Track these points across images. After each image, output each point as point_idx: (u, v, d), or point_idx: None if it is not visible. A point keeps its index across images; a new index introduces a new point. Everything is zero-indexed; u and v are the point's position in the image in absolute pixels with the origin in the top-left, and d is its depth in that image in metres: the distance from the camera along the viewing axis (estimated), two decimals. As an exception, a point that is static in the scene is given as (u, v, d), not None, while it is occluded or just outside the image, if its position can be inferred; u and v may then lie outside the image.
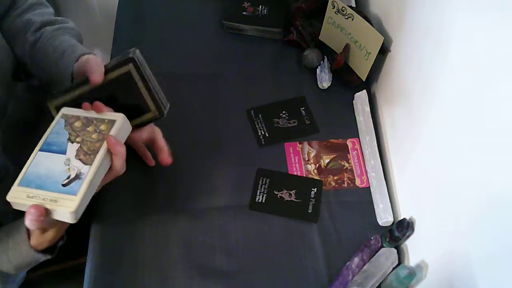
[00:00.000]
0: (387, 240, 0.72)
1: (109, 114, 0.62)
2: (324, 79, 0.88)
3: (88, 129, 0.61)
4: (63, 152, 0.59)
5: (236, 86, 0.89)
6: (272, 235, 0.75)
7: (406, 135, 0.76)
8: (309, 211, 0.77)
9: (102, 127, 0.61)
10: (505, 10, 0.47)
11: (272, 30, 0.94)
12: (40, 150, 0.59)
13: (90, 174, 0.56)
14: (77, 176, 0.56)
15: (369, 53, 0.80)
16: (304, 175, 0.80)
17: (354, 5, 0.94)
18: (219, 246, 0.73)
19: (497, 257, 0.51)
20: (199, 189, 0.78)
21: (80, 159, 0.58)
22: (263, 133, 0.84)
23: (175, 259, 0.72)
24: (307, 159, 0.82)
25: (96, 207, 0.75)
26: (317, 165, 0.82)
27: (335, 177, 0.81)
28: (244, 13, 0.95)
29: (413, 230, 0.71)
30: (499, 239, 0.50)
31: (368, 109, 0.85)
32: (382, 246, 0.73)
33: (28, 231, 0.60)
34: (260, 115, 0.86)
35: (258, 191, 0.78)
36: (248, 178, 0.79)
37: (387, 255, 0.71)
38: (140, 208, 0.76)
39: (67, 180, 0.56)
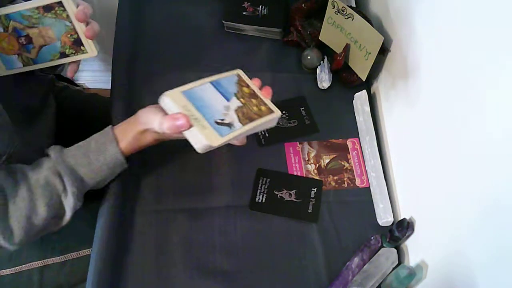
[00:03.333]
0: (387, 240, 0.72)
1: (271, 104, 0.66)
2: (324, 79, 0.88)
3: (252, 100, 0.65)
4: (227, 99, 0.62)
5: (236, 86, 0.89)
6: (272, 235, 0.75)
7: (406, 135, 0.76)
8: (309, 211, 0.77)
9: (262, 108, 0.65)
10: (504, 10, 0.47)
11: (272, 30, 0.94)
12: (211, 82, 0.63)
13: (239, 131, 0.59)
14: (229, 124, 0.59)
15: (369, 53, 0.80)
16: (304, 175, 0.80)
17: (354, 5, 0.94)
18: (219, 246, 0.73)
19: (497, 257, 0.51)
20: (199, 189, 0.78)
21: (237, 115, 0.61)
22: (263, 133, 0.84)
23: (175, 259, 0.72)
24: (307, 159, 0.82)
25: (98, 207, 0.75)
26: (317, 165, 0.82)
27: (335, 177, 0.81)
28: (244, 13, 0.95)
29: (413, 230, 0.71)
30: (499, 239, 0.50)
31: (368, 109, 0.85)
32: (382, 246, 0.73)
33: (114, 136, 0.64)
34: (260, 115, 0.86)
35: (258, 191, 0.78)
36: (248, 178, 0.79)
37: (387, 255, 0.71)
38: (140, 208, 0.76)
39: (221, 121, 0.59)
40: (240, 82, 0.66)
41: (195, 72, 0.90)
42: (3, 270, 0.79)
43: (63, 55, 0.68)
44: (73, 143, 0.66)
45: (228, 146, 0.82)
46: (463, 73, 0.57)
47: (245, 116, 0.62)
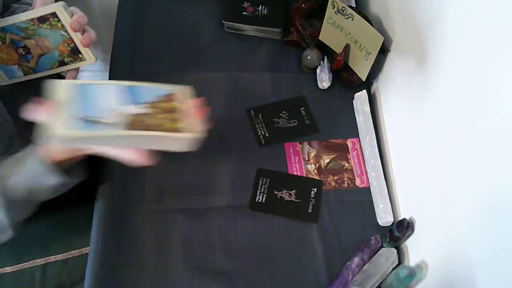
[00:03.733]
0: (387, 240, 0.72)
1: (194, 126, 0.61)
2: (324, 79, 0.88)
3: (168, 114, 0.60)
4: (129, 104, 0.58)
5: (236, 86, 0.89)
6: (272, 235, 0.75)
7: (406, 135, 0.76)
8: (309, 211, 0.77)
9: (175, 125, 0.59)
10: (507, 8, 0.47)
11: (272, 30, 0.94)
12: (126, 86, 0.60)
13: (110, 133, 0.54)
14: (102, 124, 0.55)
15: (369, 53, 0.80)
16: (304, 175, 0.80)
17: (354, 5, 0.94)
18: (219, 246, 0.73)
19: (497, 256, 0.51)
20: (199, 189, 0.78)
21: (127, 120, 0.56)
22: (263, 133, 0.84)
23: (175, 259, 0.72)
24: (307, 159, 0.82)
25: (96, 206, 0.75)
26: (317, 165, 0.82)
27: (335, 177, 0.81)
28: (244, 13, 0.95)
29: (413, 230, 0.71)
30: (499, 239, 0.50)
31: (368, 109, 0.85)
32: (382, 246, 0.73)
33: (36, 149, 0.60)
34: (260, 115, 0.86)
35: (258, 191, 0.78)
36: (248, 178, 0.79)
37: (387, 255, 0.71)
38: (140, 208, 0.76)
39: (91, 117, 0.55)
40: (169, 97, 0.62)
41: (195, 72, 0.90)
42: (5, 268, 0.80)
43: (62, 63, 0.68)
44: None
45: (228, 147, 0.82)
46: (464, 73, 0.57)
47: (137, 124, 0.56)
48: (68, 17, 0.63)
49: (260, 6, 0.96)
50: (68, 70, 0.70)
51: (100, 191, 0.76)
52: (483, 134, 0.53)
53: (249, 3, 0.96)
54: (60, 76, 0.74)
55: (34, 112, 0.54)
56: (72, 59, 0.68)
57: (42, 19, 0.63)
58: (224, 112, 0.86)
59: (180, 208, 0.76)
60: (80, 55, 0.67)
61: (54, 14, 0.63)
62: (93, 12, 1.33)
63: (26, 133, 0.65)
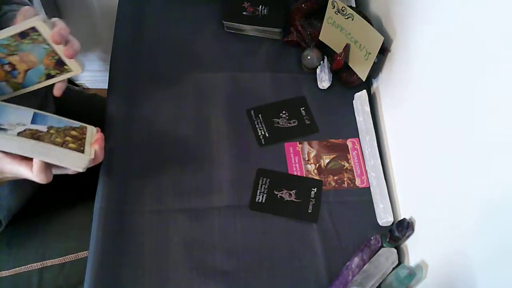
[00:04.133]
0: (387, 240, 0.72)
1: (91, 149, 0.64)
2: (324, 79, 0.88)
3: (68, 137, 0.63)
4: (32, 123, 0.61)
5: (236, 86, 0.89)
6: (272, 235, 0.75)
7: (406, 135, 0.76)
8: (309, 211, 0.77)
9: (73, 145, 0.62)
10: (506, 9, 0.47)
11: (272, 30, 0.94)
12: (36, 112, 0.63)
13: (3, 137, 0.57)
14: (5, 129, 0.57)
15: (369, 53, 0.80)
16: (304, 175, 0.80)
17: (354, 5, 0.93)
18: (219, 246, 0.73)
19: (497, 257, 0.51)
20: (199, 189, 0.78)
21: (25, 132, 0.59)
22: (263, 133, 0.84)
23: (175, 259, 0.72)
24: (307, 159, 0.82)
25: (95, 206, 0.75)
26: (317, 165, 0.82)
27: (335, 177, 0.81)
28: (244, 13, 0.95)
29: (413, 230, 0.71)
30: (499, 239, 0.50)
31: (368, 109, 0.85)
32: (382, 246, 0.73)
33: None
34: (260, 115, 0.86)
35: (258, 191, 0.78)
36: (248, 178, 0.79)
37: (387, 255, 0.71)
38: (140, 208, 0.76)
39: None
40: (76, 129, 0.65)
41: (195, 72, 0.90)
42: (2, 272, 0.79)
43: (49, 76, 0.68)
44: None
45: (228, 146, 0.82)
46: (464, 73, 0.57)
47: (33, 137, 0.59)
48: (48, 30, 0.62)
49: (260, 6, 0.96)
50: (56, 85, 0.69)
51: (99, 191, 0.75)
52: (483, 133, 0.53)
53: (249, 3, 0.96)
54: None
55: None
56: (58, 71, 0.67)
57: (23, 35, 0.62)
58: (224, 112, 0.86)
59: (180, 208, 0.76)
60: (65, 67, 0.67)
61: (34, 29, 0.62)
62: (93, 12, 1.33)
63: None
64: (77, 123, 0.67)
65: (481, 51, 0.52)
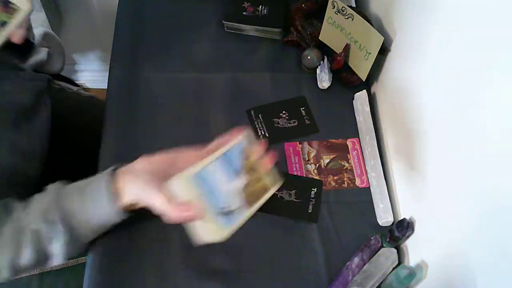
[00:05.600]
0: (387, 240, 0.72)
1: (273, 173, 0.61)
2: (324, 79, 0.88)
3: (255, 173, 0.60)
4: (234, 176, 0.57)
5: (236, 86, 0.89)
6: (272, 235, 0.75)
7: (406, 135, 0.76)
8: (309, 211, 0.77)
9: (265, 180, 0.60)
10: (508, 10, 0.47)
11: (272, 30, 0.94)
12: (219, 158, 0.57)
13: (245, 217, 0.56)
14: (234, 211, 0.56)
15: (369, 53, 0.80)
16: (304, 175, 0.80)
17: (354, 5, 0.94)
18: (219, 246, 0.73)
19: (497, 257, 0.51)
20: (199, 189, 0.78)
21: (243, 197, 0.57)
22: (263, 133, 0.84)
23: (175, 259, 0.72)
24: (307, 159, 0.82)
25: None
26: (317, 165, 0.82)
27: (335, 177, 0.81)
28: (244, 13, 0.95)
29: (413, 230, 0.71)
30: (499, 239, 0.50)
31: (368, 109, 0.85)
32: (382, 246, 0.73)
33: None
34: (260, 115, 0.86)
35: (258, 191, 0.78)
36: (248, 178, 0.79)
37: (387, 255, 0.71)
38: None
39: (225, 209, 0.55)
40: (245, 151, 0.60)
41: (195, 72, 0.90)
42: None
43: (3, 24, 0.62)
44: (67, 148, 0.64)
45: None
46: (464, 73, 0.57)
47: (251, 196, 0.58)
48: None
49: (260, 6, 0.96)
50: (12, 32, 0.63)
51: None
52: (483, 134, 0.53)
53: (249, 3, 0.96)
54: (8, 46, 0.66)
55: (182, 218, 0.54)
56: (9, 15, 0.61)
57: None
58: (224, 112, 0.86)
59: (180, 208, 0.76)
60: (12, 6, 0.61)
61: None
62: (93, 12, 1.33)
63: (14, 136, 0.64)
64: (238, 145, 0.60)
65: (481, 51, 0.52)
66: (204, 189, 0.54)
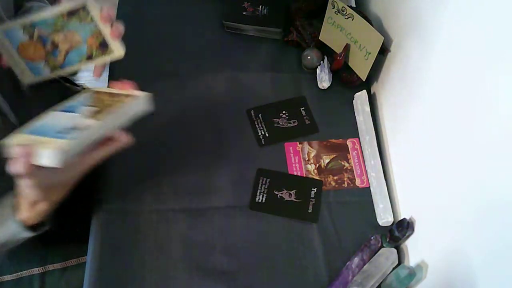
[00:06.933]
0: (387, 240, 0.72)
1: (135, 92, 0.63)
2: (324, 79, 0.88)
3: (112, 98, 0.61)
4: (76, 112, 0.59)
5: (236, 86, 0.89)
6: (272, 235, 0.75)
7: (406, 135, 0.76)
8: (309, 211, 0.77)
9: (125, 99, 0.61)
10: (503, 10, 0.47)
11: (272, 30, 0.94)
12: (56, 110, 0.59)
13: (94, 128, 0.55)
14: (77, 127, 0.55)
15: (369, 53, 0.80)
16: (304, 175, 0.80)
17: (354, 5, 0.93)
18: (219, 246, 0.73)
19: (497, 256, 0.51)
20: (199, 189, 0.78)
21: (90, 118, 0.57)
22: (263, 133, 0.84)
23: (175, 259, 0.72)
24: (307, 159, 0.82)
25: (96, 207, 0.75)
26: (317, 165, 0.82)
27: (335, 177, 0.81)
28: (244, 13, 0.95)
29: (413, 230, 0.71)
30: (499, 239, 0.50)
31: (368, 109, 0.85)
32: (382, 246, 0.73)
33: (14, 206, 0.60)
34: (260, 115, 0.86)
35: (258, 191, 0.78)
36: (248, 178, 0.79)
37: (387, 255, 0.71)
38: (140, 208, 0.76)
39: (65, 129, 0.55)
40: (96, 94, 0.63)
41: (195, 72, 0.90)
42: (4, 276, 0.79)
43: (90, 57, 0.67)
44: None
45: (228, 146, 0.82)
46: (464, 73, 0.57)
47: (101, 114, 0.58)
48: (97, 10, 0.62)
49: (260, 6, 0.96)
50: (95, 66, 0.68)
51: (98, 192, 0.75)
52: (483, 133, 0.53)
53: (249, 3, 0.96)
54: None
55: (16, 164, 0.52)
56: (101, 52, 0.66)
57: (72, 13, 0.62)
58: (224, 112, 0.86)
59: (180, 208, 0.76)
60: (108, 49, 0.66)
61: (83, 7, 0.62)
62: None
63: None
64: (87, 95, 0.64)
65: (481, 51, 0.52)
66: (36, 132, 0.55)
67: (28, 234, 0.63)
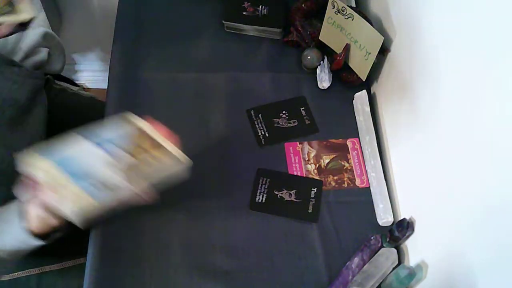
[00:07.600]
0: (387, 240, 0.72)
1: (176, 152, 0.59)
2: (324, 79, 0.88)
3: (151, 151, 0.58)
4: (113, 156, 0.56)
5: (236, 86, 0.89)
6: (272, 235, 0.75)
7: (406, 135, 0.76)
8: (309, 211, 0.77)
9: (164, 158, 0.58)
10: (503, 10, 0.47)
11: (272, 30, 0.94)
12: (92, 142, 0.56)
13: (123, 191, 0.54)
14: (107, 185, 0.53)
15: (369, 53, 0.80)
16: (304, 175, 0.80)
17: (354, 5, 0.93)
18: (219, 246, 0.73)
19: (497, 256, 0.51)
20: (199, 189, 0.78)
21: (124, 171, 0.55)
22: (263, 133, 0.84)
23: (175, 259, 0.72)
24: (307, 159, 0.82)
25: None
26: (317, 165, 0.82)
27: (335, 177, 0.81)
28: (244, 13, 0.95)
29: (413, 230, 0.71)
30: (499, 239, 0.50)
31: (368, 109, 0.85)
32: (382, 246, 0.73)
33: (21, 213, 0.60)
34: (260, 115, 0.86)
35: (258, 191, 0.78)
36: (248, 178, 0.79)
37: (387, 255, 0.71)
38: (140, 208, 0.75)
39: (99, 183, 0.53)
40: (138, 133, 0.60)
41: (195, 72, 0.90)
42: (1, 276, 0.79)
43: None
44: None
45: (228, 146, 0.82)
46: (464, 73, 0.57)
47: (136, 173, 0.56)
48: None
49: (260, 6, 0.96)
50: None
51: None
52: (483, 134, 0.53)
53: (249, 3, 0.96)
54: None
55: (26, 191, 0.52)
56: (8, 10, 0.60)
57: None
58: (224, 112, 0.86)
59: (180, 208, 0.76)
60: (14, 8, 0.60)
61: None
62: (93, 12, 1.33)
63: (8, 135, 0.64)
64: (125, 133, 0.60)
65: (482, 51, 0.52)
66: (67, 167, 0.53)
67: (38, 243, 0.62)
